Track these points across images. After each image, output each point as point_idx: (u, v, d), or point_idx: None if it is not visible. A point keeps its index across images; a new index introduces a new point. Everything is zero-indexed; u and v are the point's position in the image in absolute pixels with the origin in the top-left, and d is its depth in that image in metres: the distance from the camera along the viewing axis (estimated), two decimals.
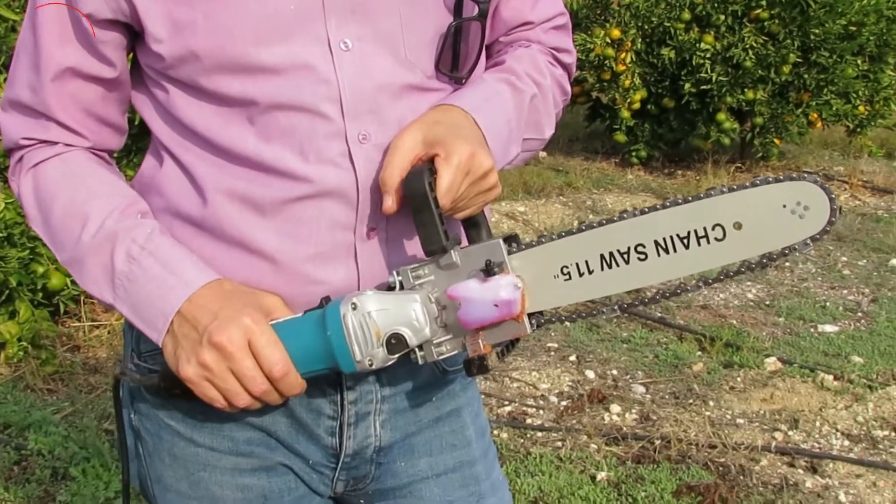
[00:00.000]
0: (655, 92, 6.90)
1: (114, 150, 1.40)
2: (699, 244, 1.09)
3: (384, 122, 1.24)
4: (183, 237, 1.29)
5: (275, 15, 1.20)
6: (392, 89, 1.25)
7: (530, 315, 1.17)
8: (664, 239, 1.10)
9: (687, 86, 6.60)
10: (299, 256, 1.25)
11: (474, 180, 1.20)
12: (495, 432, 3.49)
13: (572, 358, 4.14)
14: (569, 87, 1.47)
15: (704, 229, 1.08)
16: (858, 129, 6.92)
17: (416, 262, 1.24)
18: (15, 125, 1.34)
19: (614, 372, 4.01)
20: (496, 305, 1.14)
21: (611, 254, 1.12)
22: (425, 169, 1.16)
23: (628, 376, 3.98)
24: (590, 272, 1.14)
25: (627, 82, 6.58)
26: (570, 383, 3.92)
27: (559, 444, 3.44)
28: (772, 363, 4.04)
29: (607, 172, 7.12)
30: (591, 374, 3.98)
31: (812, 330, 4.44)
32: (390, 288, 1.20)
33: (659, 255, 1.10)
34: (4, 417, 3.50)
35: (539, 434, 3.52)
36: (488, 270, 1.15)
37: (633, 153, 7.05)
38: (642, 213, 1.11)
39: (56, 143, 1.33)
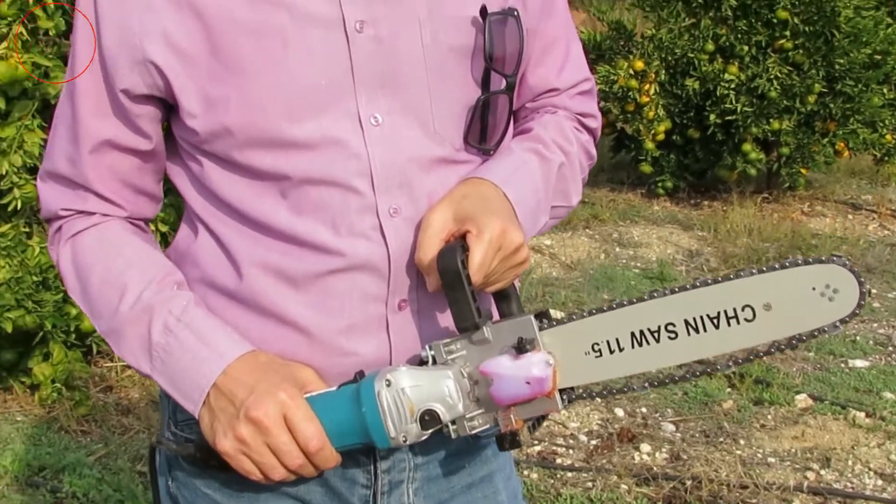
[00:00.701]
0: (680, 123, 6.90)
1: (149, 218, 1.43)
2: (729, 324, 1.10)
3: (414, 195, 1.26)
4: (218, 308, 1.31)
5: (306, 91, 1.22)
6: (422, 162, 1.27)
7: (561, 391, 1.19)
8: (694, 318, 1.11)
9: (712, 116, 6.59)
10: (332, 329, 1.27)
11: (505, 255, 1.22)
12: (525, 472, 3.49)
13: None
14: (594, 152, 1.49)
15: (734, 310, 1.10)
16: (886, 158, 6.89)
17: (447, 333, 1.26)
18: (54, 196, 1.37)
19: (644, 410, 4.00)
20: (528, 383, 1.15)
21: (641, 332, 1.14)
22: (457, 246, 1.18)
23: (658, 414, 3.97)
24: (620, 350, 1.15)
25: (651, 114, 6.59)
26: (599, 422, 3.91)
27: (589, 484, 3.44)
28: (802, 400, 4.02)
29: (633, 204, 7.12)
30: (620, 413, 3.98)
31: (843, 365, 4.42)
32: (423, 362, 1.22)
33: (689, 334, 1.12)
34: (39, 459, 3.54)
35: (569, 475, 3.51)
36: (520, 348, 1.16)
37: (659, 184, 7.04)
38: (672, 292, 1.12)
39: (93, 213, 1.36)
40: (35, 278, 3.62)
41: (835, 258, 1.08)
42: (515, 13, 1.28)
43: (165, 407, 1.39)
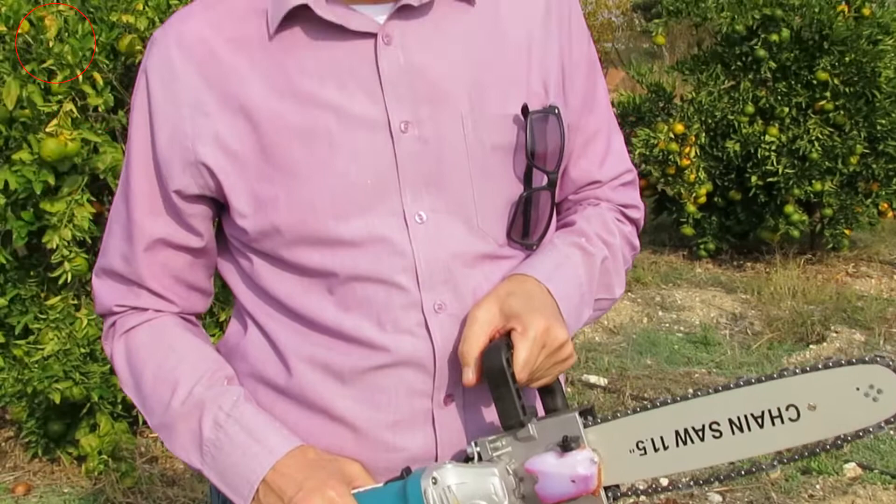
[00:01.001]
0: (721, 185, 6.89)
1: (200, 312, 1.46)
2: (773, 424, 1.11)
3: (459, 291, 1.28)
4: (267, 402, 1.34)
5: (353, 190, 1.25)
6: (466, 259, 1.29)
7: (606, 488, 1.20)
8: (738, 418, 1.12)
9: (753, 178, 6.58)
10: (379, 424, 1.29)
11: (550, 352, 1.24)
12: None
13: None
14: (637, 242, 1.50)
15: (779, 409, 1.10)
16: None
17: (493, 428, 1.27)
18: (108, 292, 1.41)
19: (688, 479, 3.95)
20: (573, 481, 1.16)
21: (686, 430, 1.15)
22: (502, 344, 1.20)
23: (703, 484, 3.91)
24: (665, 448, 1.16)
25: (693, 177, 6.58)
26: (643, 489, 3.87)
27: None
28: (851, 469, 3.96)
29: (675, 266, 7.10)
30: (664, 482, 3.93)
31: (892, 433, 4.35)
32: (468, 459, 1.23)
33: (734, 433, 1.12)
34: None
35: None
36: (565, 446, 1.17)
37: (701, 246, 7.01)
38: (716, 391, 1.13)
39: (147, 309, 1.40)
40: (83, 350, 3.66)
41: (878, 358, 1.08)
42: (556, 111, 1.31)
43: (215, 501, 1.41)
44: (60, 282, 3.54)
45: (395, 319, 1.27)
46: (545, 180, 1.32)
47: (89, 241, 3.57)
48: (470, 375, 1.23)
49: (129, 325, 1.40)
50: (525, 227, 1.33)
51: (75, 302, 3.75)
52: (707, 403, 1.14)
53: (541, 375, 1.25)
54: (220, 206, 1.36)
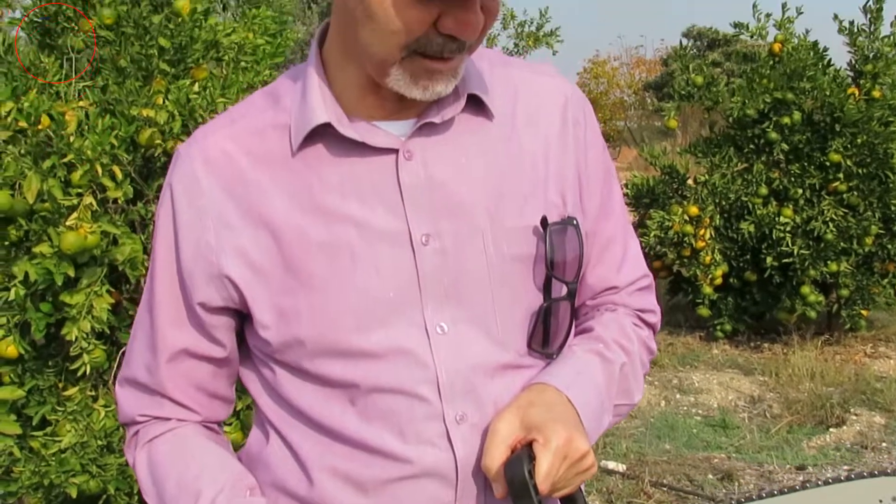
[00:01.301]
0: (737, 266, 6.90)
1: (222, 420, 1.46)
2: None
3: (480, 402, 1.29)
4: None
5: (374, 303, 1.26)
6: (486, 369, 1.30)
7: None
8: None
9: (769, 259, 6.59)
10: None
11: (572, 463, 1.24)
12: None
13: None
14: (654, 346, 1.51)
15: None
16: None
17: None
18: (131, 402, 1.42)
19: None
20: None
21: None
22: (524, 455, 1.20)
23: None
24: None
25: (708, 258, 6.60)
26: None
27: None
28: None
29: (692, 348, 7.07)
30: None
31: None
32: None
33: None
34: None
35: None
36: None
37: (718, 327, 7.00)
38: (739, 502, 1.13)
39: (169, 419, 1.41)
40: (100, 442, 3.66)
41: None
42: (575, 222, 1.33)
43: None
44: (79, 373, 3.55)
45: (418, 431, 1.27)
46: (564, 290, 1.33)
47: (108, 332, 3.59)
48: (499, 490, 1.23)
49: (152, 434, 1.40)
50: (545, 337, 1.34)
51: (93, 393, 3.75)
52: None
53: (563, 486, 1.25)
54: (242, 317, 1.37)
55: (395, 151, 1.28)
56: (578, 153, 1.39)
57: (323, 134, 1.28)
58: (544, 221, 1.31)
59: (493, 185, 1.31)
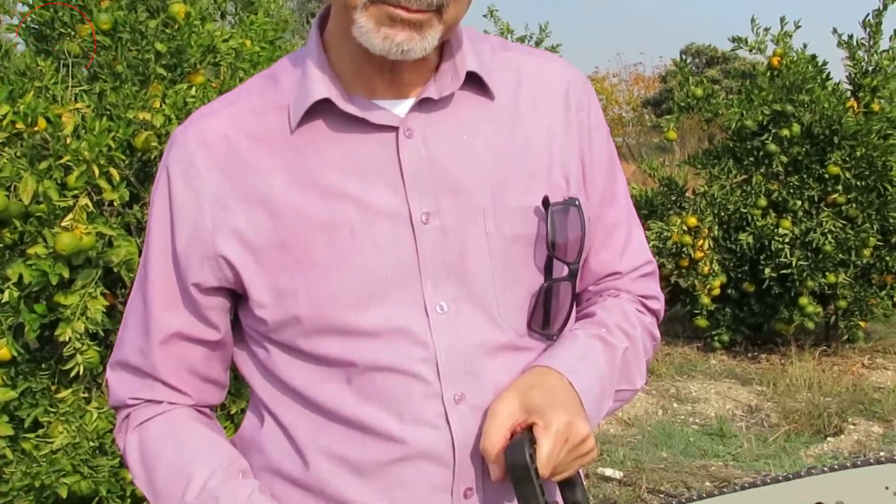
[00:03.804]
0: (735, 277, 6.88)
1: (215, 405, 1.44)
2: None
3: (479, 382, 1.27)
4: (283, 496, 1.32)
5: (373, 281, 1.24)
6: (486, 350, 1.28)
7: None
8: None
9: (767, 270, 6.57)
10: None
11: (572, 447, 1.22)
12: None
13: None
14: (657, 333, 1.49)
15: None
16: None
17: None
18: (123, 385, 1.40)
19: None
20: None
21: None
22: (525, 440, 1.18)
23: None
24: None
25: (706, 269, 6.58)
26: None
27: None
28: None
29: (690, 358, 7.05)
30: None
31: None
32: None
33: None
34: None
35: None
36: None
37: (716, 338, 6.97)
38: (743, 488, 1.11)
39: (161, 401, 1.38)
40: (92, 443, 3.63)
41: None
42: (577, 203, 1.31)
43: None
44: (72, 374, 3.52)
45: (415, 410, 1.25)
46: (566, 271, 1.32)
47: (102, 334, 3.56)
48: (497, 473, 1.21)
49: (143, 417, 1.38)
50: (545, 318, 1.32)
51: (86, 395, 3.72)
52: (734, 501, 1.11)
53: (562, 470, 1.23)
54: (236, 298, 1.35)
55: (396, 129, 1.26)
56: (582, 136, 1.38)
57: (323, 111, 1.27)
58: (546, 202, 1.29)
59: (495, 165, 1.29)
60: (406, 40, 1.18)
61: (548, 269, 1.31)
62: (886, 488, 1.06)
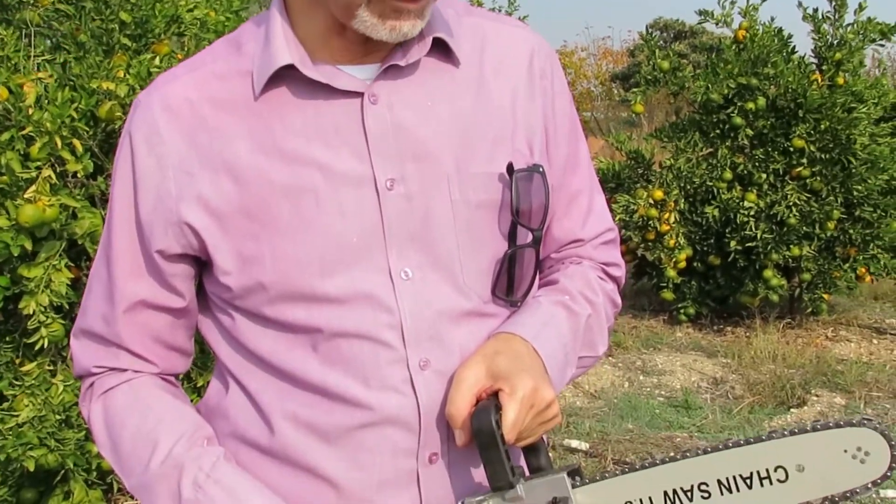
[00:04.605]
0: (701, 250, 6.93)
1: (180, 373, 1.44)
2: (762, 485, 1.10)
3: (444, 348, 1.28)
4: (248, 462, 1.32)
5: (338, 247, 1.25)
6: (451, 316, 1.28)
7: None
8: (727, 479, 1.11)
9: (732, 243, 6.62)
10: (363, 484, 1.27)
11: (537, 413, 1.23)
12: None
13: None
14: (619, 300, 1.50)
15: (767, 471, 1.10)
16: None
17: (478, 486, 1.26)
18: (87, 353, 1.39)
19: None
20: None
21: (674, 491, 1.14)
22: (491, 405, 1.19)
23: None
24: None
25: (672, 242, 6.62)
26: None
27: None
28: None
29: (656, 331, 7.10)
30: None
31: (875, 496, 4.33)
32: None
33: (722, 493, 1.11)
34: None
35: None
36: None
37: (682, 311, 7.03)
38: (705, 452, 1.12)
39: (126, 369, 1.38)
40: (58, 416, 3.61)
41: (865, 421, 1.08)
42: (541, 169, 1.31)
43: None
44: (37, 347, 3.50)
45: (381, 376, 1.26)
46: (529, 238, 1.32)
47: (66, 307, 3.54)
48: (462, 438, 1.22)
49: (108, 385, 1.37)
50: (509, 284, 1.33)
51: (51, 368, 3.70)
52: (697, 464, 1.13)
53: (527, 435, 1.24)
54: (201, 265, 1.35)
55: (361, 95, 1.26)
56: (546, 103, 1.38)
57: (286, 77, 1.26)
58: (510, 168, 1.29)
59: (460, 131, 1.29)
60: (411, 28, 1.21)
61: (512, 236, 1.31)
62: (845, 451, 1.08)
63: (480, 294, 1.31)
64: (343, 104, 1.25)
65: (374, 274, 1.26)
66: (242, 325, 1.32)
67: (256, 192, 1.24)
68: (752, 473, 1.10)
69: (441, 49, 1.31)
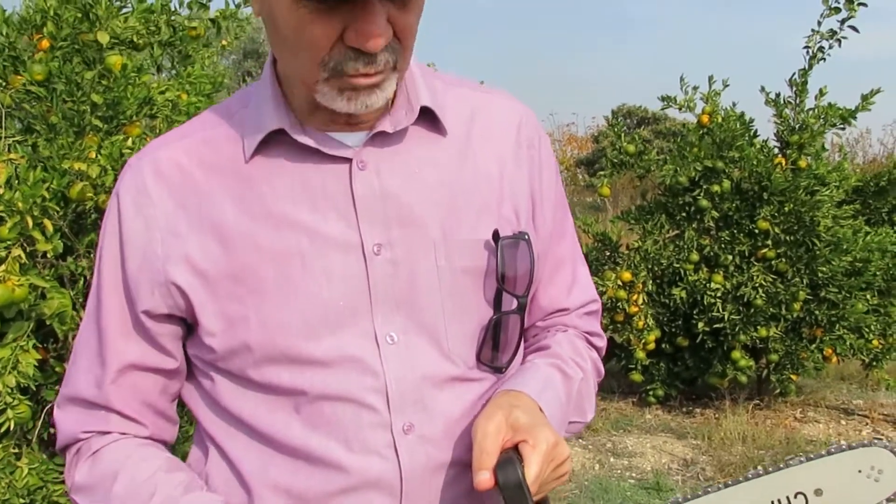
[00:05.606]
0: (669, 331, 6.96)
1: (168, 443, 1.42)
2: None
3: (428, 412, 1.27)
4: None
5: (324, 310, 1.25)
6: (435, 380, 1.28)
7: None
8: None
9: (700, 325, 6.66)
10: None
11: (555, 467, 1.22)
12: None
13: None
14: (602, 369, 1.52)
15: (788, 498, 1.12)
16: (874, 363, 6.92)
17: None
18: (73, 422, 1.37)
19: None
20: None
21: None
22: (515, 458, 1.18)
23: None
24: None
25: (641, 323, 6.65)
26: None
27: None
28: None
29: (625, 413, 7.09)
30: None
31: None
32: None
33: None
34: None
35: None
36: None
37: (651, 392, 7.03)
38: (726, 486, 1.14)
39: (114, 432, 1.36)
40: (22, 500, 3.54)
41: (876, 441, 1.10)
42: (526, 237, 1.33)
43: None
44: (2, 430, 3.44)
45: (364, 440, 1.25)
46: (514, 304, 1.33)
47: (33, 389, 3.49)
48: (487, 478, 1.17)
49: (97, 446, 1.35)
50: (494, 350, 1.33)
51: (16, 451, 3.64)
52: (719, 499, 1.14)
53: (543, 490, 1.24)
54: (188, 327, 1.34)
55: (349, 161, 1.27)
56: (532, 173, 1.40)
57: (277, 142, 1.28)
58: (496, 235, 1.31)
59: (446, 198, 1.31)
60: (372, 100, 1.22)
61: (497, 302, 1.32)
62: (860, 471, 1.11)
63: (465, 359, 1.31)
64: (332, 169, 1.27)
65: (360, 338, 1.26)
66: (224, 387, 1.31)
67: (243, 255, 1.25)
68: (772, 502, 1.12)
69: (428, 118, 1.33)
